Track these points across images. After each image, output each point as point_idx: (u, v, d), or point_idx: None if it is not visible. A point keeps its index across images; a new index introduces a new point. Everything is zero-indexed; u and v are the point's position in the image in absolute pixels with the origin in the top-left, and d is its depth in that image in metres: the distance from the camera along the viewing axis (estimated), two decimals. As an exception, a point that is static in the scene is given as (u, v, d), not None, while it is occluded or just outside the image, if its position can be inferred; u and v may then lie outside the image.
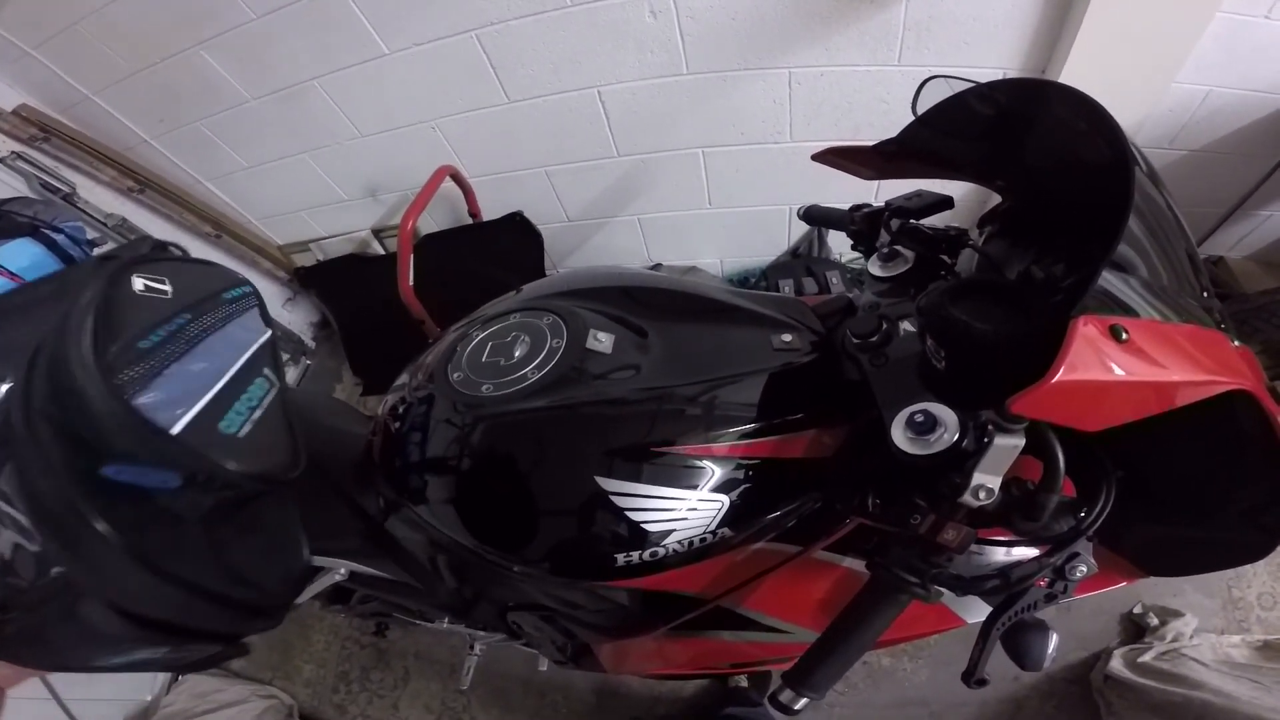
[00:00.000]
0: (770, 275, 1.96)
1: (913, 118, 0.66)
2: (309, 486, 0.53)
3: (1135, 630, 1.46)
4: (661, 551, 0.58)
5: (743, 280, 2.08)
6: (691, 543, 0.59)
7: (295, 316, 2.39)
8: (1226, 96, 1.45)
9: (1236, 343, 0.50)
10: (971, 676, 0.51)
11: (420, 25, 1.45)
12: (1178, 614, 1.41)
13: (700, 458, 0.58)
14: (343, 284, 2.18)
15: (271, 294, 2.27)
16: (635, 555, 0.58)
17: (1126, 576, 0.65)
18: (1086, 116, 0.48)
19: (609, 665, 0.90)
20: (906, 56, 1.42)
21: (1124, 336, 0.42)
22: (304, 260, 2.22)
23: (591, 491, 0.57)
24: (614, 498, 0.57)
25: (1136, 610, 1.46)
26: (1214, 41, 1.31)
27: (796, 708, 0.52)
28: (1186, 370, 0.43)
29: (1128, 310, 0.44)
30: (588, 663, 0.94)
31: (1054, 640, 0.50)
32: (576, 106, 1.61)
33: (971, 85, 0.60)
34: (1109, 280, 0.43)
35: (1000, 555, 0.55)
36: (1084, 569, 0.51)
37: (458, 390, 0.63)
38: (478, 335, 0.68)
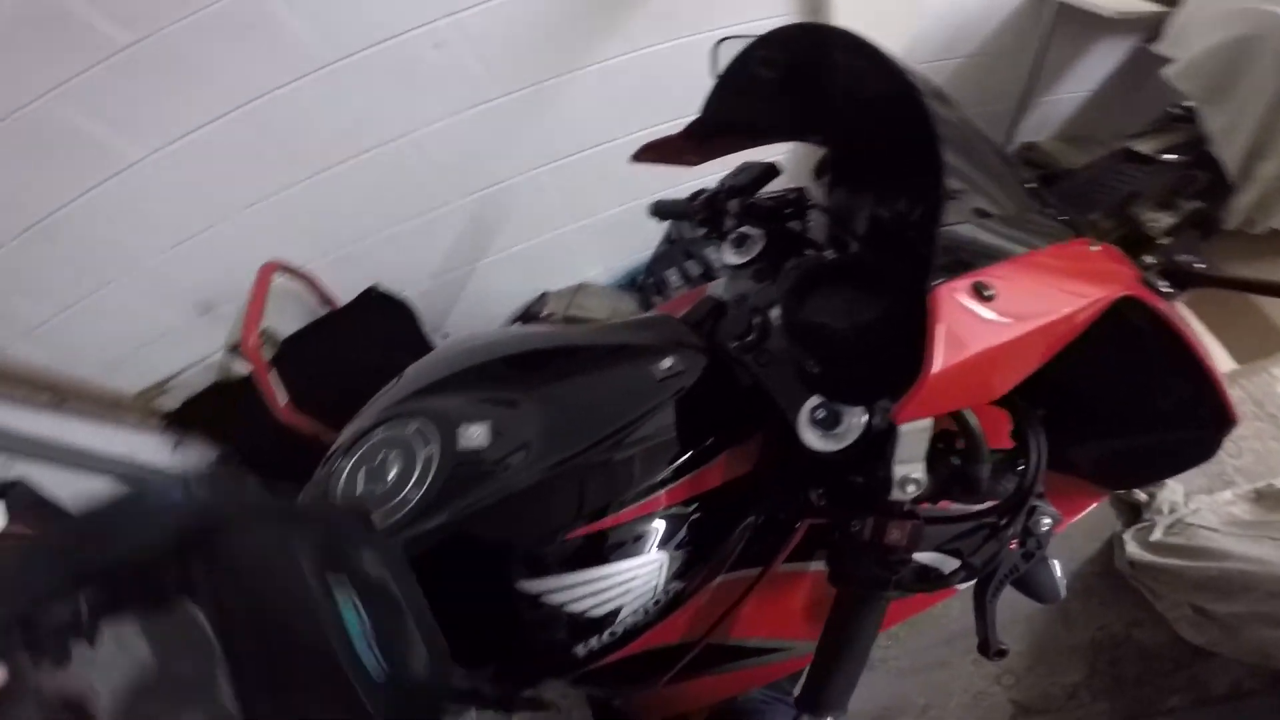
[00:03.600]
0: (655, 269, 1.92)
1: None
2: None
3: (1131, 509, 1.44)
4: (619, 629, 0.55)
5: (631, 281, 2.03)
6: (646, 609, 0.55)
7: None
8: (969, 3, 1.60)
9: (1096, 247, 0.49)
10: (989, 649, 0.49)
11: (163, 120, 1.28)
12: (1160, 484, 1.39)
13: (619, 525, 0.54)
14: (221, 418, 1.92)
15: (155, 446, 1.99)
16: (593, 641, 0.54)
17: (1091, 499, 0.64)
18: (862, 54, 0.47)
19: (635, 717, 0.86)
20: (700, 24, 1.40)
21: (989, 292, 0.38)
22: (169, 403, 1.98)
23: (519, 598, 0.53)
24: (544, 597, 0.52)
25: (1121, 491, 1.44)
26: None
27: None
28: (1064, 301, 0.41)
29: (986, 256, 0.41)
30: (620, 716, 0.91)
31: (1058, 567, 0.49)
32: (394, 161, 1.50)
33: (753, 39, 0.59)
34: (954, 232, 0.40)
35: (962, 529, 0.50)
36: (1048, 520, 0.48)
37: None
38: (347, 465, 0.61)
